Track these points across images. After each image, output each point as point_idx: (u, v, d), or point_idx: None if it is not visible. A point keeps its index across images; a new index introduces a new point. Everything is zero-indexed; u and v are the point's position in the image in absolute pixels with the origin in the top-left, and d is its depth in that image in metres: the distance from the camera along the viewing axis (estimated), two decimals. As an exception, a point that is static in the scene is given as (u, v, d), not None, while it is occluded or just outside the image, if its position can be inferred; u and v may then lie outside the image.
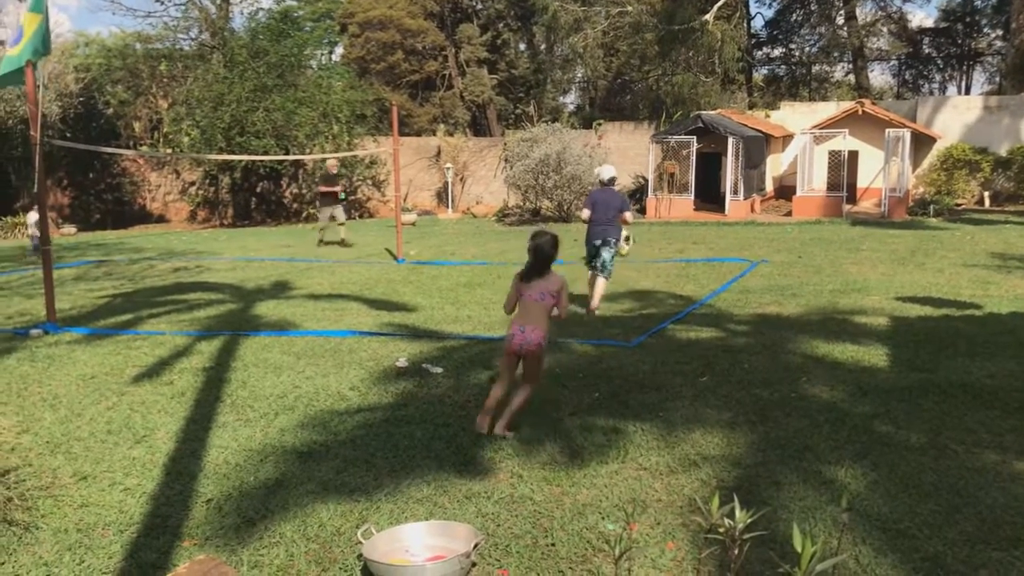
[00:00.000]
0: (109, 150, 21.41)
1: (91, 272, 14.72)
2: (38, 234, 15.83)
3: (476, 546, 3.76)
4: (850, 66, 39.64)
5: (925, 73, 43.33)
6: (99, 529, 4.31)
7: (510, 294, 5.77)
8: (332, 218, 18.14)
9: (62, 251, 17.89)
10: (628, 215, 9.88)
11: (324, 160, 26.68)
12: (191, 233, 24.93)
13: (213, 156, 24.69)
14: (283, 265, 15.11)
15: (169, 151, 27.69)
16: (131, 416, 6.13)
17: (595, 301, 9.69)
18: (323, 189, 18.37)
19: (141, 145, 30.09)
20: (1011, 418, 5.54)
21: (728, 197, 22.18)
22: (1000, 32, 38.07)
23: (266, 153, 25.03)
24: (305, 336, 8.72)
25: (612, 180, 10.10)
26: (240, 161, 25.42)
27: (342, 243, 17.97)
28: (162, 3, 34.68)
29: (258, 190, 28.83)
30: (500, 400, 5.61)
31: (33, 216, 16.27)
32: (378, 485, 4.74)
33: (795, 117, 26.08)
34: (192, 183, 29.10)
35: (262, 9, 35.07)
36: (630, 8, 31.32)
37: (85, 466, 5.16)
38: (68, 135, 27.23)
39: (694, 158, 22.55)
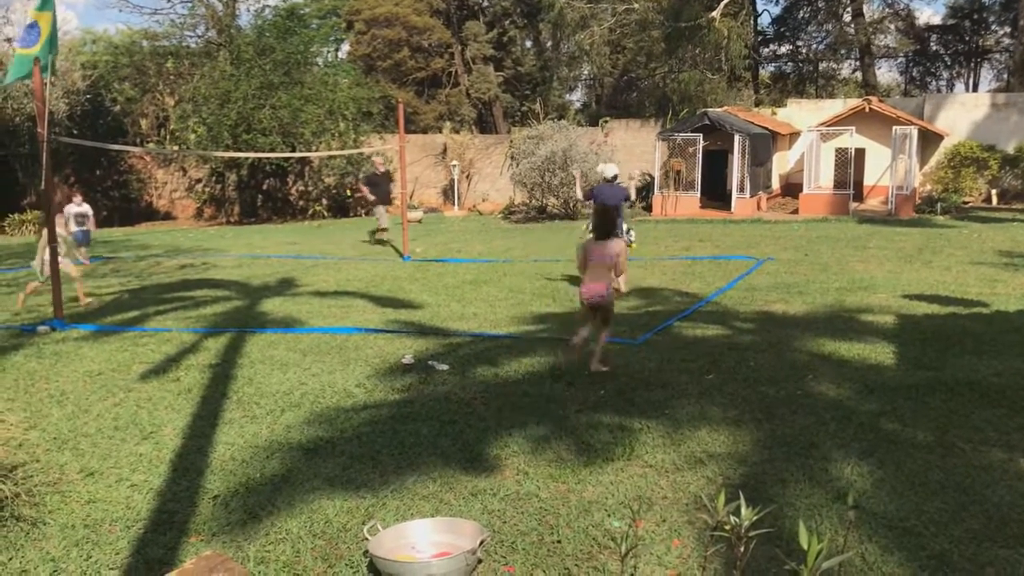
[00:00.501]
0: (116, 147, 21.48)
1: (98, 269, 14.76)
2: (76, 229, 15.42)
3: (482, 543, 3.76)
4: (857, 63, 39.54)
5: (932, 70, 43.19)
6: (106, 525, 4.33)
7: (580, 257, 7.10)
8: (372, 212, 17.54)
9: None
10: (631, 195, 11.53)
11: (331, 158, 26.78)
12: (197, 230, 24.99)
13: (220, 153, 24.74)
14: (289, 262, 15.14)
15: (176, 148, 27.74)
16: (138, 412, 6.15)
17: (623, 280, 10.33)
18: (366, 191, 17.69)
19: (148, 142, 30.15)
20: (1018, 416, 5.53)
21: (734, 195, 22.15)
22: (1008, 29, 37.91)
23: (272, 150, 25.09)
24: (311, 333, 8.73)
25: (615, 177, 11.20)
26: (246, 158, 25.47)
27: (375, 236, 17.58)
28: (169, 0, 34.77)
29: (264, 187, 28.88)
30: (584, 340, 6.99)
31: (73, 208, 15.79)
32: (384, 482, 4.75)
33: (802, 114, 26.02)
34: (198, 180, 29.16)
35: (268, 6, 35.16)
36: (636, 5, 31.26)
37: (92, 462, 5.18)
38: (75, 132, 27.30)
39: (700, 155, 22.51)
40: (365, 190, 17.73)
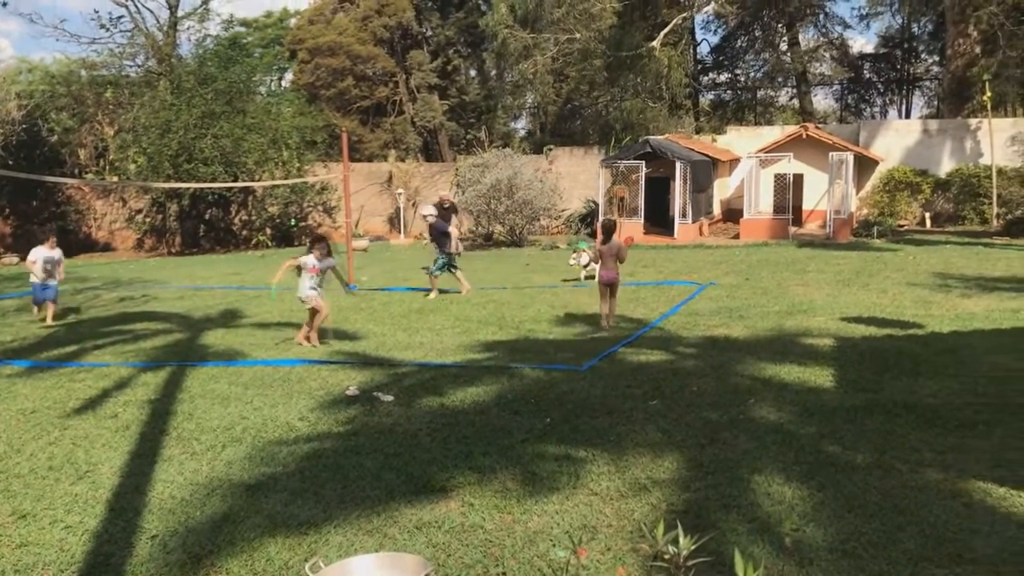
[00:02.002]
0: (51, 179, 21.05)
1: (29, 303, 14.38)
2: (37, 282, 12.01)
3: (426, 577, 3.72)
4: (794, 91, 40.45)
5: (867, 97, 44.30)
6: (38, 569, 4.20)
7: (595, 252, 10.92)
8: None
9: (3, 282, 17.51)
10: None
11: (275, 187, 26.55)
12: (138, 262, 24.56)
13: (160, 184, 24.40)
14: (232, 293, 14.94)
15: (115, 179, 27.29)
16: (74, 451, 5.99)
17: (467, 285, 13.62)
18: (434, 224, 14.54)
19: (86, 173, 29.62)
20: (952, 436, 5.66)
21: (677, 220, 22.44)
22: (936, 58, 39.15)
23: (214, 180, 24.81)
24: (253, 366, 8.61)
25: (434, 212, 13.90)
26: (188, 188, 25.16)
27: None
28: (107, 29, 34.34)
29: (207, 217, 28.53)
30: (608, 308, 10.22)
31: (42, 252, 12.18)
32: (327, 517, 4.68)
33: (741, 141, 26.54)
34: (139, 211, 28.72)
35: (210, 36, 34.91)
36: (578, 35, 31.67)
37: (25, 504, 5.03)
38: (10, 163, 26.74)
39: (643, 182, 22.79)
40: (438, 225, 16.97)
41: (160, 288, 16.24)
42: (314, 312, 9.91)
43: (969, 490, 4.74)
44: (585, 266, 14.70)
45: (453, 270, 13.74)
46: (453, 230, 16.79)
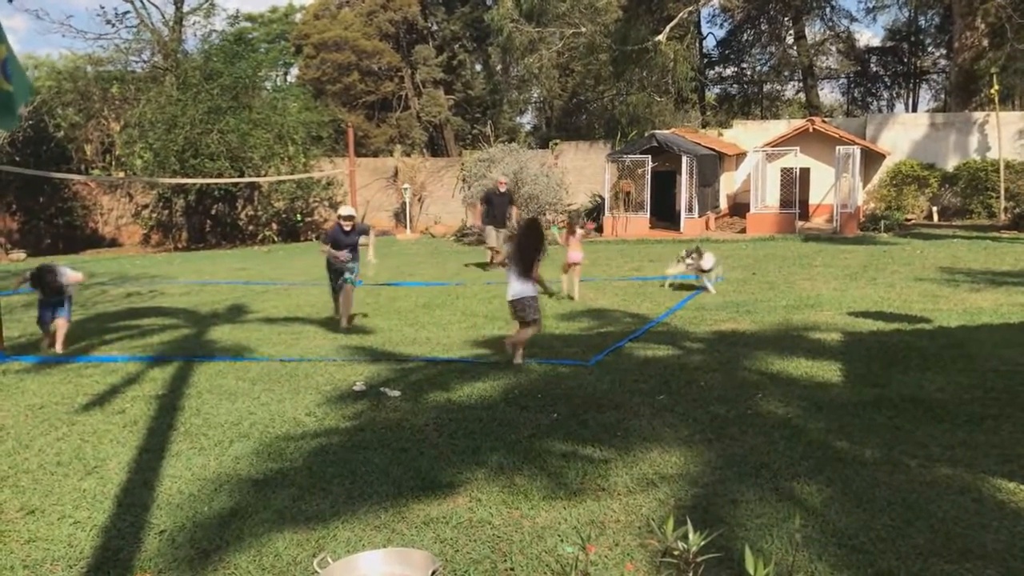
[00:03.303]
0: (58, 175, 21.10)
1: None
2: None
3: (434, 573, 3.72)
4: (800, 84, 40.30)
5: (873, 91, 44.11)
6: (47, 565, 4.21)
7: (564, 239, 12.78)
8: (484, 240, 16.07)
9: (10, 278, 17.52)
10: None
11: (281, 183, 26.57)
12: (144, 257, 24.60)
13: (166, 180, 24.43)
14: (239, 288, 14.96)
15: (122, 175, 27.35)
16: (82, 446, 6.01)
17: (345, 319, 10.57)
18: (479, 211, 16.35)
19: (93, 168, 29.67)
20: (960, 431, 5.64)
21: (683, 215, 22.40)
22: (944, 51, 38.97)
23: (220, 175, 24.85)
24: (260, 361, 8.62)
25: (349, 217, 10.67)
26: (194, 184, 25.19)
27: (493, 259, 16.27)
28: (113, 25, 34.39)
29: (213, 212, 28.58)
30: (571, 284, 12.03)
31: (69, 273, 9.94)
32: (335, 512, 4.69)
33: (747, 135, 26.45)
34: (145, 206, 28.77)
35: (215, 31, 34.94)
36: (584, 29, 31.64)
37: (33, 499, 5.04)
38: (17, 159, 26.81)
39: (649, 177, 22.74)
40: (479, 210, 16.38)
41: (167, 283, 16.27)
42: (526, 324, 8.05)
43: (978, 485, 4.73)
44: (706, 270, 12.30)
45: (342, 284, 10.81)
46: (513, 213, 16.31)
